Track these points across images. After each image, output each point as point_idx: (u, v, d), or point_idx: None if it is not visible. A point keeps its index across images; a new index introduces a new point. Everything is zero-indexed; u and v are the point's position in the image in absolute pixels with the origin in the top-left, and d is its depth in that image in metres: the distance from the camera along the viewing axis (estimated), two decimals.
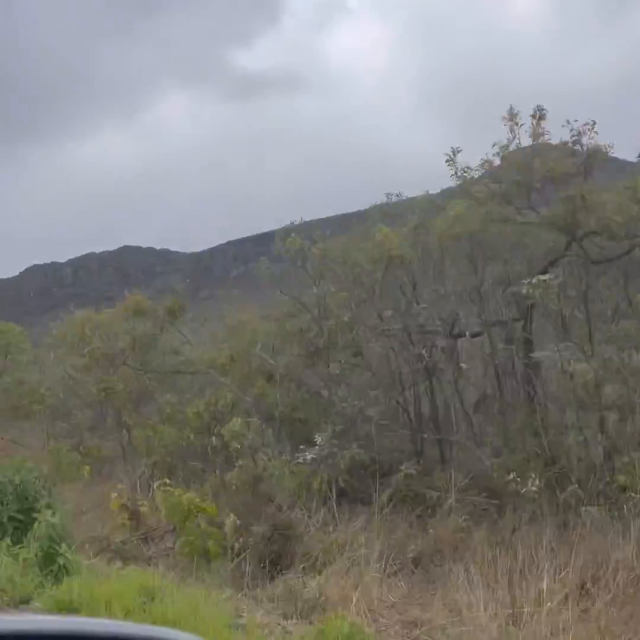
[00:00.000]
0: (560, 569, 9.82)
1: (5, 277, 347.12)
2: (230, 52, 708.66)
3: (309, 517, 12.37)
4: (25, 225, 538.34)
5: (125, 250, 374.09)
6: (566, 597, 8.98)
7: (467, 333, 15.51)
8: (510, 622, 8.67)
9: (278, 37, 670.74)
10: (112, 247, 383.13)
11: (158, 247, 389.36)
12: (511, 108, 15.72)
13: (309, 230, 19.16)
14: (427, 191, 18.74)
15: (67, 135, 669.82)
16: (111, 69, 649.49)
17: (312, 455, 13.22)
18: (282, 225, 21.21)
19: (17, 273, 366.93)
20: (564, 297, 14.61)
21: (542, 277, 12.72)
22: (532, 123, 15.51)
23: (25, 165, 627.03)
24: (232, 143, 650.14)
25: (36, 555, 8.34)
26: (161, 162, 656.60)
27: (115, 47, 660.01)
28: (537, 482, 11.40)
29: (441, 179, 20.53)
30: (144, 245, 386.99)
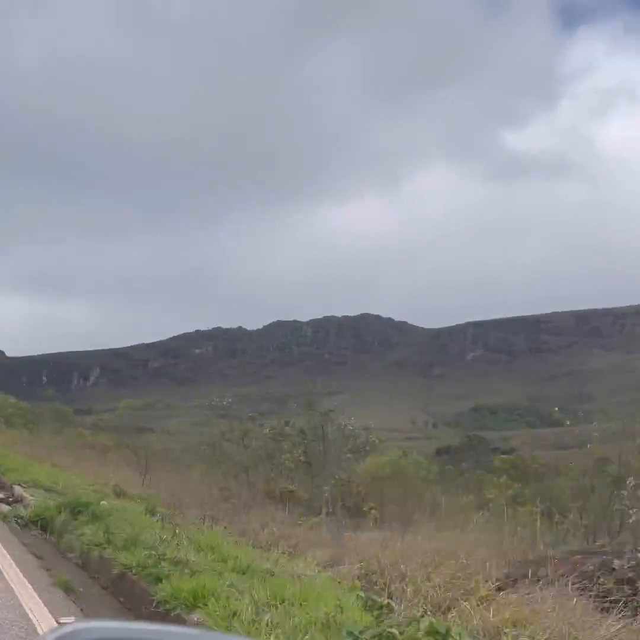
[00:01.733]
0: None
1: (251, 329, 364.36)
2: (501, 131, 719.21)
3: None
4: (278, 282, 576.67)
5: (365, 317, 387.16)
6: None
7: None
8: None
9: (553, 120, 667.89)
10: (352, 312, 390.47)
11: (397, 319, 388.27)
12: None
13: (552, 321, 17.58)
14: None
15: (328, 201, 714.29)
16: (378, 139, 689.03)
17: None
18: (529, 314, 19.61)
19: (262, 326, 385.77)
20: None
21: None
22: None
23: (287, 226, 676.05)
24: (486, 222, 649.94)
25: None
26: (412, 235, 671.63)
27: (386, 117, 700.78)
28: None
29: None
30: (384, 314, 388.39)
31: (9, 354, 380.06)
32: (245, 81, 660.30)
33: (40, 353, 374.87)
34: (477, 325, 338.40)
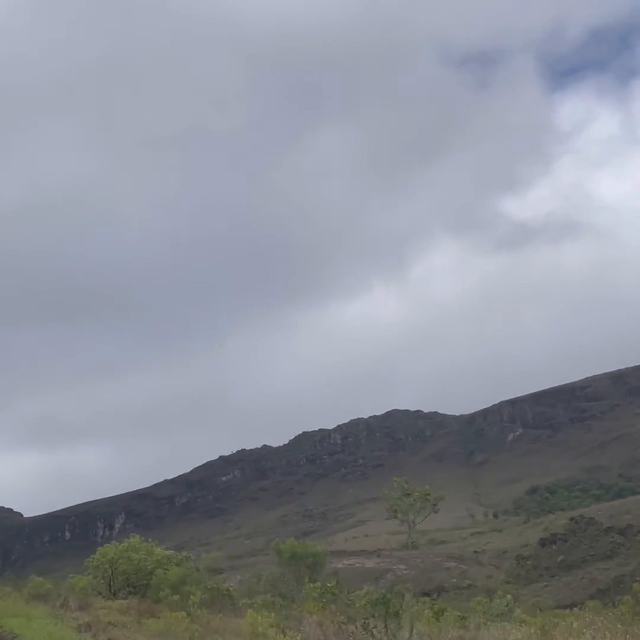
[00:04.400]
0: None
1: (276, 445, 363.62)
2: (502, 200, 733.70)
3: None
4: (295, 391, 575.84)
5: (393, 414, 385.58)
6: None
7: None
8: None
9: (552, 182, 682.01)
10: (379, 411, 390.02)
11: (426, 410, 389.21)
12: None
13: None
14: None
15: (334, 296, 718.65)
16: (380, 223, 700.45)
17: None
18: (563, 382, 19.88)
19: (288, 441, 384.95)
20: None
21: None
22: None
23: (295, 329, 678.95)
24: (497, 294, 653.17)
25: None
26: (425, 319, 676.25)
27: (386, 200, 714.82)
28: None
29: None
30: (412, 408, 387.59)
31: (26, 514, 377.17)
32: (238, 185, 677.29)
33: (59, 508, 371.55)
34: (512, 403, 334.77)
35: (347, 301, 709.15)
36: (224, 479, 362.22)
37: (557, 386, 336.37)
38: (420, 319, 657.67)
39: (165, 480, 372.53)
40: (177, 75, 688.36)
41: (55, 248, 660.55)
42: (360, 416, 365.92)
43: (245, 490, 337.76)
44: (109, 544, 51.77)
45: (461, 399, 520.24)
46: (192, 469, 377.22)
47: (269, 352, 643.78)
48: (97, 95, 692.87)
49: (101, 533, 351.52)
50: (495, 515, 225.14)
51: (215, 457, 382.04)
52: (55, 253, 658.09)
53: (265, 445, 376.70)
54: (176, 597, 38.13)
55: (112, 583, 46.22)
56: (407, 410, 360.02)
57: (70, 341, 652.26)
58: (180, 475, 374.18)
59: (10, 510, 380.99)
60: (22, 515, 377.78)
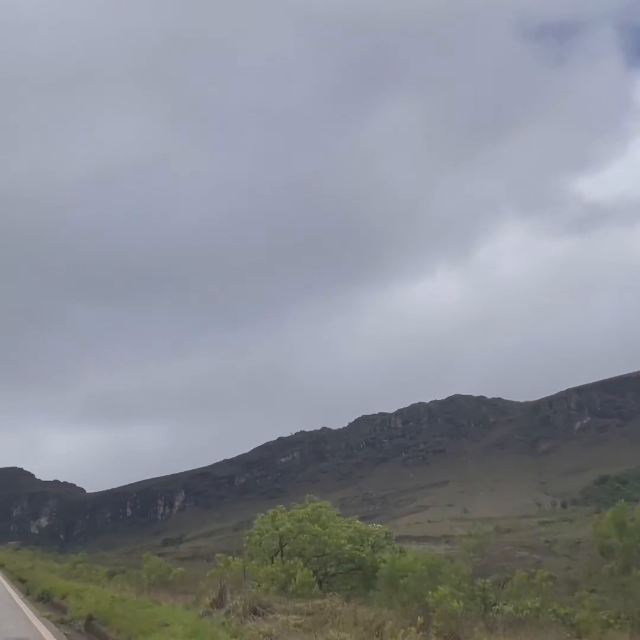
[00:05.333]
0: None
1: (335, 428, 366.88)
2: (574, 179, 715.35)
3: None
4: (356, 374, 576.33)
5: (455, 399, 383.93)
6: None
7: None
8: None
9: (628, 161, 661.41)
10: (441, 396, 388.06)
11: (489, 396, 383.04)
12: None
13: None
14: None
15: (398, 277, 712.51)
16: (446, 203, 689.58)
17: None
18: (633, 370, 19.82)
19: (347, 424, 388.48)
20: None
21: None
22: None
23: (357, 311, 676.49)
24: (565, 279, 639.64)
25: None
26: (490, 303, 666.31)
27: (452, 177, 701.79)
28: None
29: None
30: (475, 393, 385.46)
31: (89, 490, 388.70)
32: (300, 163, 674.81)
33: (121, 485, 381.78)
34: (579, 390, 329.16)
35: (410, 283, 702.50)
36: (283, 460, 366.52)
37: (627, 374, 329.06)
38: (485, 301, 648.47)
39: (225, 460, 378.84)
40: (243, 48, 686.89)
41: (115, 223, 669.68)
42: (421, 400, 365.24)
43: (304, 472, 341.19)
44: (277, 508, 38.69)
45: (526, 385, 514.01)
46: (251, 449, 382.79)
47: (331, 333, 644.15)
48: (163, 66, 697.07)
49: (161, 510, 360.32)
50: (564, 505, 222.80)
51: (275, 438, 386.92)
52: (116, 228, 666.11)
53: (324, 427, 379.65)
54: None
55: (288, 570, 30.19)
56: (469, 396, 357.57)
57: (131, 319, 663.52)
58: (239, 455, 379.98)
59: (73, 485, 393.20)
60: (85, 491, 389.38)
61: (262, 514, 39.17)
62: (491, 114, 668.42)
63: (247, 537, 38.25)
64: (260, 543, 36.42)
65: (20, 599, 30.36)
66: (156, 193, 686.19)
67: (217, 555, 41.92)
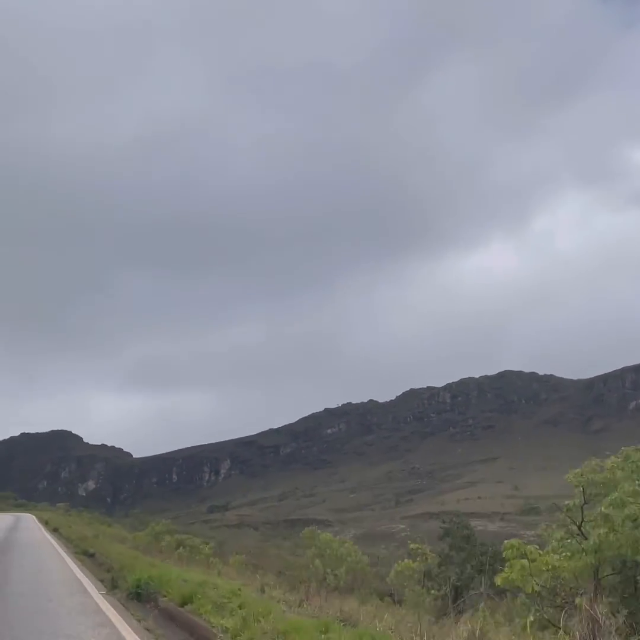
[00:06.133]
0: None
1: (383, 400, 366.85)
2: (636, 150, 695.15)
3: None
4: (404, 346, 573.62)
5: (506, 375, 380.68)
6: None
7: None
8: None
9: None
10: (491, 371, 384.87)
11: (541, 372, 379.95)
12: None
13: None
14: None
15: (450, 248, 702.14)
16: (502, 171, 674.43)
17: None
18: None
19: (394, 397, 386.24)
20: None
21: None
22: None
23: (408, 282, 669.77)
24: (626, 253, 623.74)
25: None
26: (545, 277, 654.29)
27: (510, 144, 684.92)
28: None
29: None
30: (526, 369, 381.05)
31: (136, 455, 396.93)
32: (354, 127, 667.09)
33: (167, 451, 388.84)
34: (636, 369, 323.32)
35: (463, 254, 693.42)
36: (329, 431, 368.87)
37: None
38: (540, 275, 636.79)
39: (271, 429, 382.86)
40: (299, 6, 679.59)
41: (166, 187, 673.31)
42: (471, 375, 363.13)
43: (350, 444, 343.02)
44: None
45: (579, 363, 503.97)
46: (297, 419, 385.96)
47: (380, 304, 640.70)
48: (217, 25, 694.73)
49: (207, 477, 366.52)
50: None
51: (321, 409, 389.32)
52: (166, 193, 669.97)
53: (371, 399, 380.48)
54: None
55: None
56: (520, 372, 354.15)
57: (178, 286, 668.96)
58: (285, 425, 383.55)
59: (120, 450, 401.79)
60: (132, 456, 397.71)
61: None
62: (553, 79, 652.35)
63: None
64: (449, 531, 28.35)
65: (103, 597, 16.39)
66: (207, 157, 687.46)
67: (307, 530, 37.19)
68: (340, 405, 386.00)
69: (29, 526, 54.49)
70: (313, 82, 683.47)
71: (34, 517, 77.42)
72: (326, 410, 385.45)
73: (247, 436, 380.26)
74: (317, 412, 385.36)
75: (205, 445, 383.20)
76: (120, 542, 36.67)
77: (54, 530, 48.24)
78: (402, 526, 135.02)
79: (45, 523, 59.36)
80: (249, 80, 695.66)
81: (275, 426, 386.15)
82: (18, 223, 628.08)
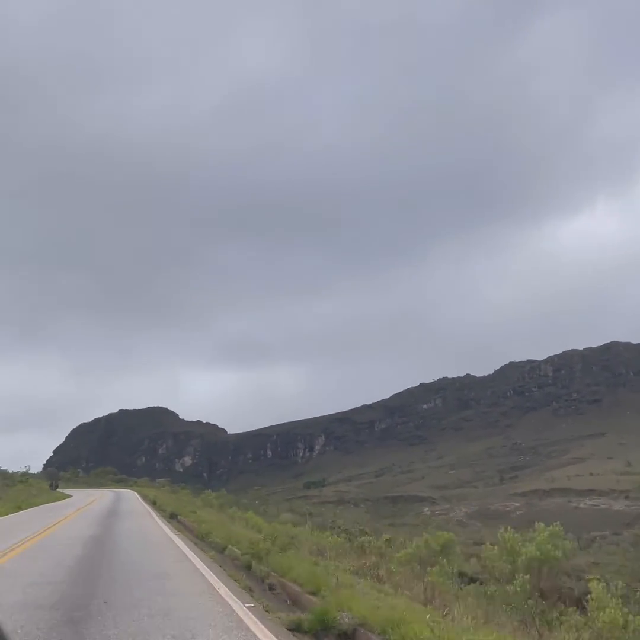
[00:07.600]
0: None
1: (481, 375, 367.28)
2: None
3: None
4: (501, 318, 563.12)
5: (612, 346, 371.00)
6: None
7: None
8: None
9: None
10: (596, 343, 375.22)
11: None
12: None
13: None
14: None
15: (550, 212, 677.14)
16: (607, 127, 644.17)
17: None
18: None
19: (493, 371, 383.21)
20: None
21: None
22: None
23: (504, 250, 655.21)
24: None
25: None
26: None
27: (615, 99, 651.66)
28: None
29: None
30: (634, 341, 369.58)
31: (230, 431, 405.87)
32: (448, 83, 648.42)
33: (261, 427, 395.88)
34: None
35: (564, 219, 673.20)
36: (425, 406, 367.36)
37: None
38: None
39: (364, 405, 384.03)
40: None
41: (253, 156, 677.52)
42: (574, 347, 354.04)
43: (446, 420, 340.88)
44: None
45: None
46: (391, 395, 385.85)
47: (475, 275, 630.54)
48: None
49: (301, 453, 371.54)
50: None
51: (416, 384, 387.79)
52: (254, 162, 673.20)
53: (468, 374, 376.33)
54: None
55: None
56: (628, 343, 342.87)
57: (266, 259, 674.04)
58: (379, 401, 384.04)
59: (215, 426, 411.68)
60: (226, 432, 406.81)
61: None
62: None
63: None
64: None
65: None
66: (294, 123, 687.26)
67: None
68: (435, 380, 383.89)
69: (138, 511, 42.41)
70: (405, 38, 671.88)
71: (136, 495, 75.19)
72: (421, 385, 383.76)
73: (341, 412, 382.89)
74: (411, 387, 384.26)
75: (298, 421, 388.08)
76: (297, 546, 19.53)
77: (172, 516, 35.63)
78: (517, 504, 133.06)
79: (161, 510, 44.35)
80: (337, 40, 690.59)
81: (368, 402, 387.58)
82: (106, 197, 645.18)
